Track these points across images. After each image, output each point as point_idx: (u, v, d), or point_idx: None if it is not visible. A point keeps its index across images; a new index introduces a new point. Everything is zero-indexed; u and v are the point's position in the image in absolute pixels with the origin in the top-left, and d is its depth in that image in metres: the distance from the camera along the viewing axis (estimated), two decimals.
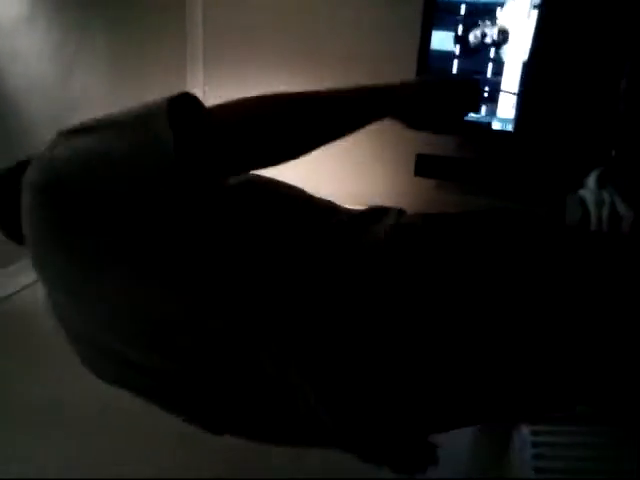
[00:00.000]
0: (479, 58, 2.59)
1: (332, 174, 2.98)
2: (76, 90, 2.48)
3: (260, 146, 0.78)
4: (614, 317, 0.79)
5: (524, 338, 0.77)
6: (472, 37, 2.56)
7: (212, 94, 3.26)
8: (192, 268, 0.76)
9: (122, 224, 0.73)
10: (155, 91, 3.22)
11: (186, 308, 0.79)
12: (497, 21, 2.53)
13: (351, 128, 0.86)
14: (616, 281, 0.81)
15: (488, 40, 2.55)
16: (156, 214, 0.73)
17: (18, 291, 2.20)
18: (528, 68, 2.54)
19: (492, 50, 2.57)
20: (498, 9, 2.51)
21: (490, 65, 2.58)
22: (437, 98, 0.91)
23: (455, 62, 2.62)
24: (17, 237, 0.87)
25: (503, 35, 2.53)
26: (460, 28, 2.57)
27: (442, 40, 2.60)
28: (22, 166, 0.86)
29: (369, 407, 0.81)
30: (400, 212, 0.94)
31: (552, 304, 0.78)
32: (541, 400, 0.84)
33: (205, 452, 1.47)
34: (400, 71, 2.88)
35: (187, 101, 0.78)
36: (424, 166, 2.78)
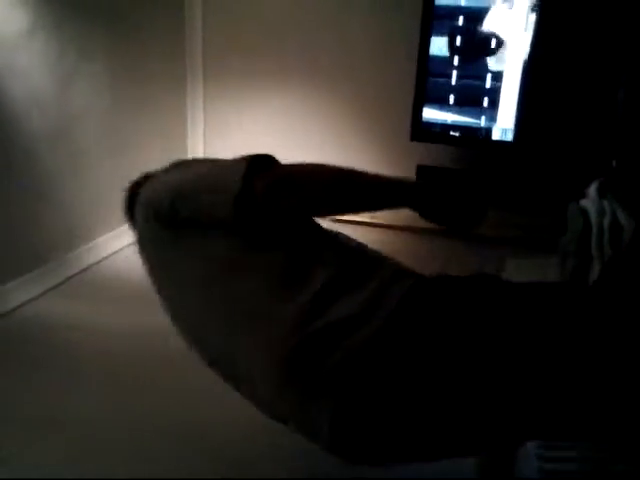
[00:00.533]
0: (477, 66, 2.60)
1: None
2: (75, 103, 2.48)
3: (302, 204, 1.04)
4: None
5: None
6: (469, 44, 2.58)
7: (211, 106, 3.28)
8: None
9: (196, 235, 1.08)
10: (154, 105, 3.22)
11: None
12: (494, 29, 2.54)
13: (371, 210, 1.12)
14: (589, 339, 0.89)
15: (486, 48, 2.56)
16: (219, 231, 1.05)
17: (17, 307, 2.20)
18: (526, 78, 2.55)
19: (490, 59, 2.58)
20: (495, 17, 2.52)
21: (489, 74, 2.59)
22: (448, 206, 1.05)
23: (454, 71, 2.63)
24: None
25: (500, 43, 2.54)
26: (459, 37, 2.58)
27: (441, 48, 2.62)
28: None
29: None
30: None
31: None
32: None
33: (205, 452, 1.47)
34: (399, 87, 2.91)
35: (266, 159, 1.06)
36: (425, 177, 2.79)
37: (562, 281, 1.64)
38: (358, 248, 1.12)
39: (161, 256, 1.18)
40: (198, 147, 3.37)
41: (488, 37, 2.55)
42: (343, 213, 1.11)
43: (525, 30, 2.50)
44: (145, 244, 1.23)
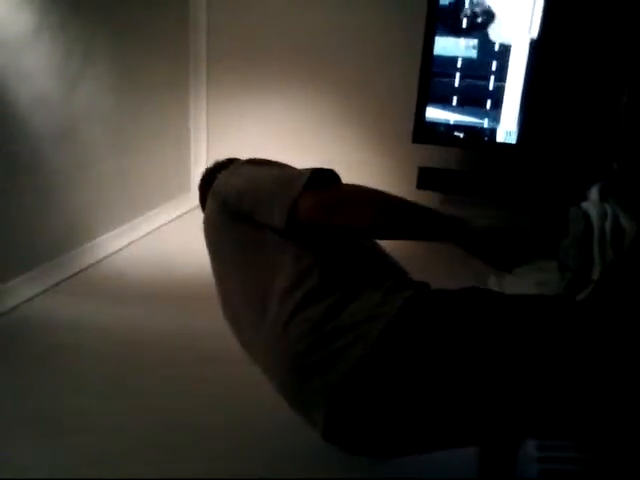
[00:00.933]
0: (482, 68, 2.60)
1: None
2: (80, 105, 2.49)
3: (346, 227, 1.08)
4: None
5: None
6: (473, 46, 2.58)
7: (213, 109, 3.29)
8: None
9: (251, 234, 1.18)
10: (158, 106, 3.23)
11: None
12: (499, 32, 2.54)
13: (418, 239, 1.10)
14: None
15: (490, 50, 2.56)
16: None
17: (19, 305, 2.20)
18: (530, 82, 2.55)
19: (494, 62, 2.58)
20: (499, 20, 2.52)
21: (492, 77, 2.60)
22: (494, 246, 1.06)
23: (457, 74, 2.63)
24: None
25: (505, 47, 2.54)
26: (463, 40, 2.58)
27: (445, 47, 2.62)
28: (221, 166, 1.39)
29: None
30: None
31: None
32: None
33: (206, 454, 1.47)
34: (403, 91, 2.91)
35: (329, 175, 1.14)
36: (426, 179, 2.78)
37: (553, 295, 1.65)
38: (378, 254, 1.20)
39: (217, 237, 1.30)
40: (201, 149, 3.37)
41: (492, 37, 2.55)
42: (388, 239, 1.12)
43: (529, 32, 2.50)
44: (209, 225, 1.34)
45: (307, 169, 1.12)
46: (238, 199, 1.19)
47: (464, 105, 2.66)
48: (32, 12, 2.19)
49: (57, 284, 2.39)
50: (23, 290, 2.26)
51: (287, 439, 1.44)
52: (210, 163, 1.47)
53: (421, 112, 2.72)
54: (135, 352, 1.94)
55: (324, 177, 1.11)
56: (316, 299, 1.04)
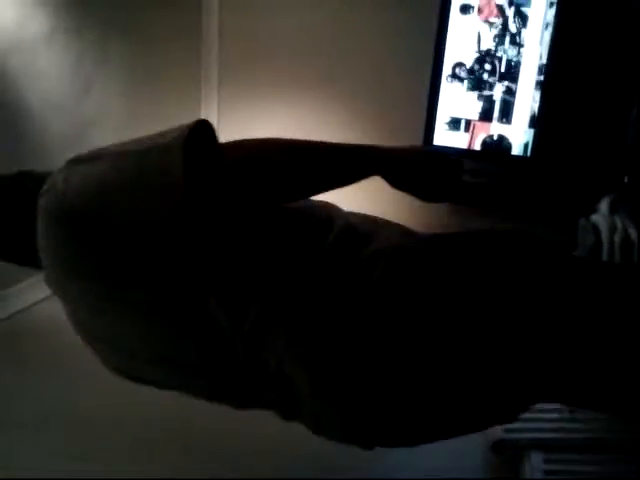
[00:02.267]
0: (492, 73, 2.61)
1: (344, 199, 2.99)
2: (93, 107, 2.51)
3: (261, 189, 0.84)
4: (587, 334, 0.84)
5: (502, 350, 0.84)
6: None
7: (225, 115, 3.30)
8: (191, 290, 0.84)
9: (131, 252, 0.80)
10: (170, 109, 3.24)
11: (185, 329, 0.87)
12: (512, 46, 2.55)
13: (340, 182, 0.91)
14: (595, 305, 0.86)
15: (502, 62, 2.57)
16: (163, 241, 0.79)
17: (18, 311, 2.21)
18: (543, 95, 2.56)
19: (505, 75, 2.59)
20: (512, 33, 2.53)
21: (504, 88, 2.60)
22: (421, 170, 0.94)
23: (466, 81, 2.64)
24: (18, 257, 0.97)
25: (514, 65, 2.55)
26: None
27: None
28: (23, 177, 0.98)
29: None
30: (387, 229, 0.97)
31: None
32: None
33: (210, 454, 1.47)
34: (411, 96, 2.92)
35: (202, 133, 0.81)
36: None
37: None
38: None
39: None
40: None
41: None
42: (308, 194, 0.90)
43: (540, 46, 2.51)
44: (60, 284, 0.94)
45: (164, 137, 0.81)
46: (98, 205, 0.80)
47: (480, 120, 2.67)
48: (46, 16, 2.22)
49: None
50: (30, 294, 2.27)
51: (287, 439, 1.44)
52: None
53: (431, 128, 2.73)
54: None
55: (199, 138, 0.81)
56: None
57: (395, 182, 0.93)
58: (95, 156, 0.86)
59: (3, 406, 1.69)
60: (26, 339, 2.03)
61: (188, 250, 0.80)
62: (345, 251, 0.89)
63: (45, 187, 0.87)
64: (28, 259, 0.92)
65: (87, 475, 1.43)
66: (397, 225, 0.99)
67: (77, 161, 0.89)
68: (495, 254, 0.91)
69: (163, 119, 3.38)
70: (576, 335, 0.84)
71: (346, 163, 0.90)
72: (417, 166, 0.93)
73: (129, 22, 2.67)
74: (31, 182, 0.95)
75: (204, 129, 0.81)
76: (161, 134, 0.83)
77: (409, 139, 3.06)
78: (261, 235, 0.88)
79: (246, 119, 3.31)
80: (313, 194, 0.91)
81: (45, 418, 1.65)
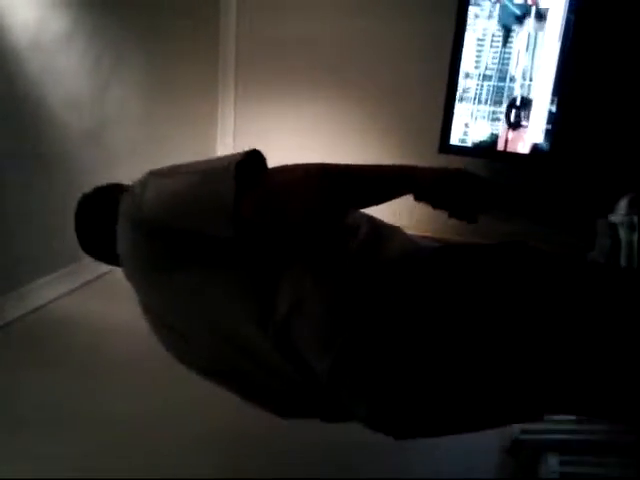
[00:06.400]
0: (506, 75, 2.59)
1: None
2: (112, 106, 2.54)
3: (297, 215, 0.96)
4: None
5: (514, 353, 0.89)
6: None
7: (241, 114, 3.31)
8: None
9: (192, 257, 0.98)
10: (187, 108, 3.25)
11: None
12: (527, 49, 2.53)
13: (374, 204, 1.00)
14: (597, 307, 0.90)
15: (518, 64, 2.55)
16: (214, 247, 0.96)
17: (42, 305, 2.24)
18: (561, 93, 2.53)
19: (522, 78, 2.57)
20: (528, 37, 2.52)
21: (521, 88, 2.58)
22: (449, 193, 1.02)
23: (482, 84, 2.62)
24: (98, 251, 1.22)
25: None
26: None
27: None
28: (113, 189, 1.21)
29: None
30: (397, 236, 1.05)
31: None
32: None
33: (224, 455, 1.47)
34: (430, 95, 2.91)
35: (254, 160, 0.98)
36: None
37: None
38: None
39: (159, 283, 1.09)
40: (228, 153, 3.39)
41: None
42: (342, 211, 1.01)
43: (559, 43, 2.49)
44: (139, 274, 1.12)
45: (224, 161, 0.97)
46: (168, 214, 0.98)
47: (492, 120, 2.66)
48: (66, 17, 2.25)
49: (81, 286, 2.43)
50: (47, 291, 2.29)
51: (286, 439, 1.44)
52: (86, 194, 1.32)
53: (447, 129, 2.71)
54: (156, 355, 1.95)
55: (250, 166, 0.97)
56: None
57: (432, 203, 1.01)
58: (172, 172, 1.05)
59: (19, 405, 1.71)
60: (41, 337, 2.05)
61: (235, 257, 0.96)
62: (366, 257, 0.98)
63: (125, 194, 1.05)
64: (112, 258, 1.09)
65: (102, 475, 1.44)
66: (402, 233, 1.07)
67: (156, 174, 1.05)
68: (495, 266, 0.97)
69: (180, 118, 3.41)
70: (576, 337, 0.87)
71: (388, 190, 1.00)
72: (453, 188, 1.02)
73: (147, 23, 2.69)
74: (118, 192, 1.12)
75: (256, 157, 0.98)
76: (222, 159, 1.00)
77: (424, 140, 3.07)
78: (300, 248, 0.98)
79: (263, 119, 3.32)
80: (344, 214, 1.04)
81: (60, 418, 1.66)
